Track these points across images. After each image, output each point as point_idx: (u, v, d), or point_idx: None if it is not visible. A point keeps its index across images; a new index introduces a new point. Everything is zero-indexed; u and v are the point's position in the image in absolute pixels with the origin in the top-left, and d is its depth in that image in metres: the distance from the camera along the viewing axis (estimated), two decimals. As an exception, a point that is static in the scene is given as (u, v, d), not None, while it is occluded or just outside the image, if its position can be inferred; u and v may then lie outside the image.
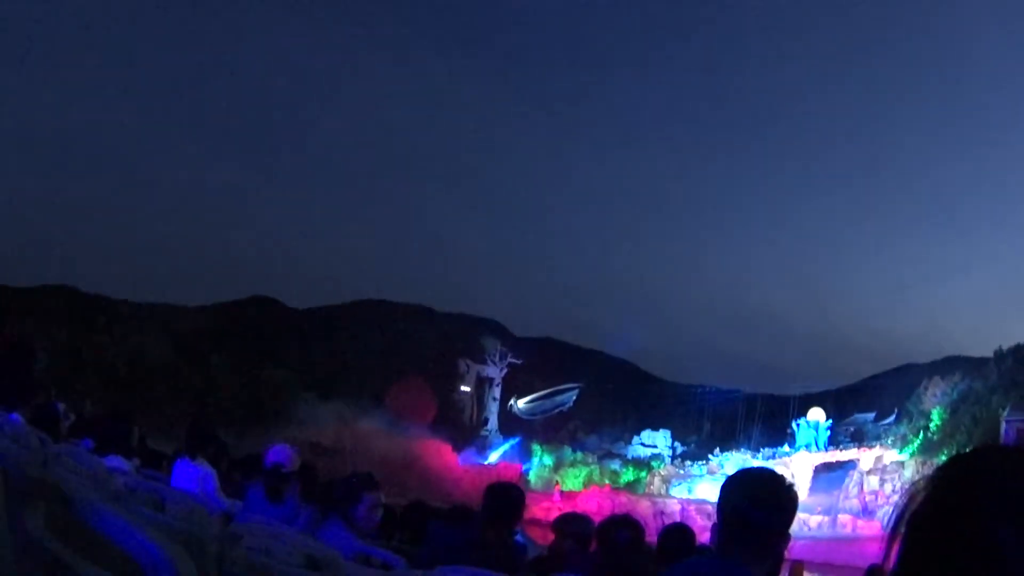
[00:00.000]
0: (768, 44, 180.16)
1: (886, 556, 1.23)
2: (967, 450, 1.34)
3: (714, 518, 3.18)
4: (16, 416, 3.59)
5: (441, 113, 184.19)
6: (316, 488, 8.17)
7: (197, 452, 7.50)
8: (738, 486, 3.10)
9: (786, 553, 3.22)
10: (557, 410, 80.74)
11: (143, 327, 74.97)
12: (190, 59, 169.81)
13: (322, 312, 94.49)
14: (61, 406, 6.58)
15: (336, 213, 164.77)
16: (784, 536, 3.10)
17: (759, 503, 3.00)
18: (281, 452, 7.91)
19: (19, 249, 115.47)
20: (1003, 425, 51.57)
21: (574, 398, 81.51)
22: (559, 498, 61.62)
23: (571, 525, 6.86)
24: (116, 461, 5.89)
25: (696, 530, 6.98)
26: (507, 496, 5.87)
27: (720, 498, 3.11)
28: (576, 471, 67.87)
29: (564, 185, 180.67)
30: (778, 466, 57.72)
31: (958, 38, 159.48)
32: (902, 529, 1.21)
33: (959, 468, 1.24)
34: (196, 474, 7.16)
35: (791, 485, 3.20)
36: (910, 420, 63.26)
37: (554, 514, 52.94)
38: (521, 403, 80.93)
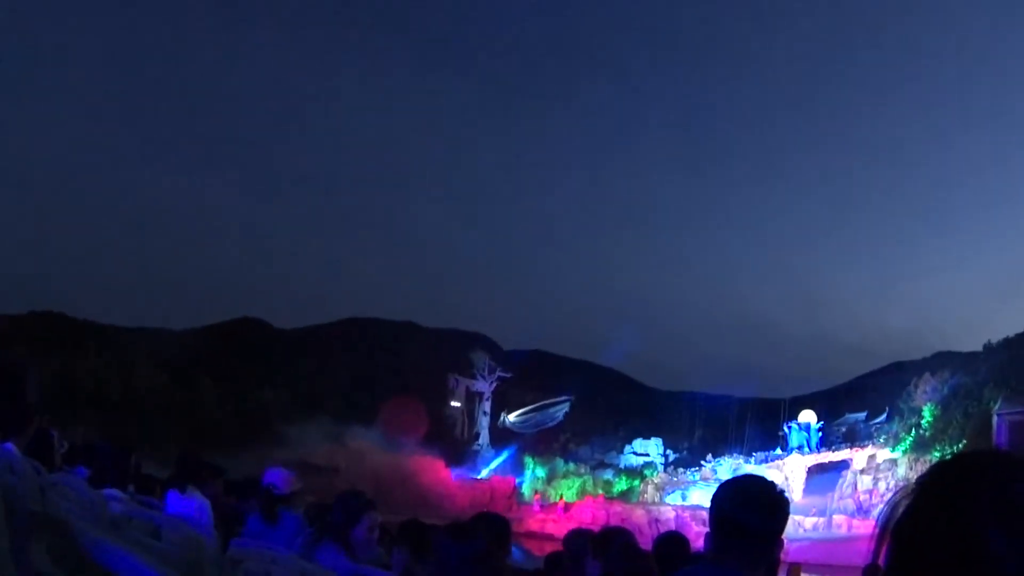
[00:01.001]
0: (752, 50, 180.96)
1: (875, 556, 1.25)
2: (956, 452, 1.36)
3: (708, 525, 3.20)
4: (10, 445, 3.58)
5: (425, 130, 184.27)
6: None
7: (187, 483, 7.50)
8: (729, 493, 3.13)
9: (782, 556, 3.24)
10: (548, 423, 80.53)
11: (133, 351, 74.77)
12: (173, 82, 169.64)
13: (310, 331, 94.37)
14: (55, 434, 6.57)
15: (321, 232, 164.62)
16: (777, 541, 3.12)
17: (750, 509, 3.03)
18: (276, 474, 7.98)
19: (7, 276, 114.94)
20: (995, 419, 51.60)
21: (565, 411, 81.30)
22: (539, 509, 61.57)
23: (573, 539, 6.92)
24: (112, 492, 5.89)
25: (691, 537, 7.00)
26: (498, 525, 5.91)
27: (712, 505, 3.14)
28: (569, 482, 67.75)
29: (549, 197, 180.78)
30: (772, 469, 57.83)
31: (940, 34, 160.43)
32: (889, 532, 1.23)
33: (948, 471, 1.26)
34: (190, 505, 7.16)
35: (782, 490, 3.22)
36: (902, 418, 63.34)
37: (549, 526, 52.86)
38: (512, 417, 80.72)
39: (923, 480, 1.25)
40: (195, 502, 7.22)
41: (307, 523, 7.38)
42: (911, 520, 1.22)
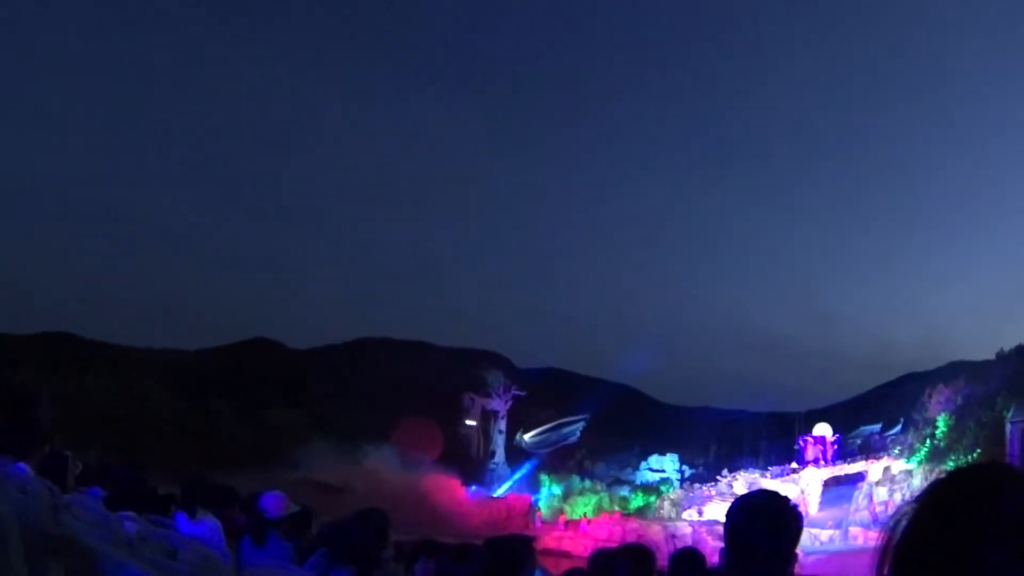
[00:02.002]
0: (758, 70, 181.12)
1: (879, 571, 1.26)
2: (953, 468, 1.37)
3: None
4: (23, 466, 3.59)
5: (437, 151, 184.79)
6: (308, 531, 8.35)
7: (196, 506, 7.53)
8: (742, 510, 3.13)
9: (797, 569, 3.24)
10: (563, 443, 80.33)
11: (145, 372, 74.82)
12: (184, 107, 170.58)
13: (323, 352, 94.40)
14: (69, 455, 6.59)
15: (334, 252, 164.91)
16: (791, 556, 3.12)
17: (760, 526, 3.03)
18: (268, 499, 8.07)
19: (18, 297, 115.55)
20: (1008, 426, 51.46)
21: (580, 430, 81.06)
22: (541, 525, 61.41)
23: (596, 559, 6.92)
24: (128, 513, 5.91)
25: (708, 552, 6.99)
26: (511, 547, 5.86)
27: (726, 523, 3.14)
28: (585, 499, 67.55)
29: (562, 215, 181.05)
30: (788, 483, 57.68)
31: (943, 52, 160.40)
32: (891, 550, 1.24)
33: (946, 488, 1.26)
34: (202, 527, 7.19)
35: (795, 505, 3.22)
36: (916, 429, 63.21)
37: (566, 544, 52.75)
38: (527, 437, 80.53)
39: (921, 497, 1.26)
40: (206, 524, 7.24)
41: (316, 542, 7.44)
42: (911, 538, 1.22)
